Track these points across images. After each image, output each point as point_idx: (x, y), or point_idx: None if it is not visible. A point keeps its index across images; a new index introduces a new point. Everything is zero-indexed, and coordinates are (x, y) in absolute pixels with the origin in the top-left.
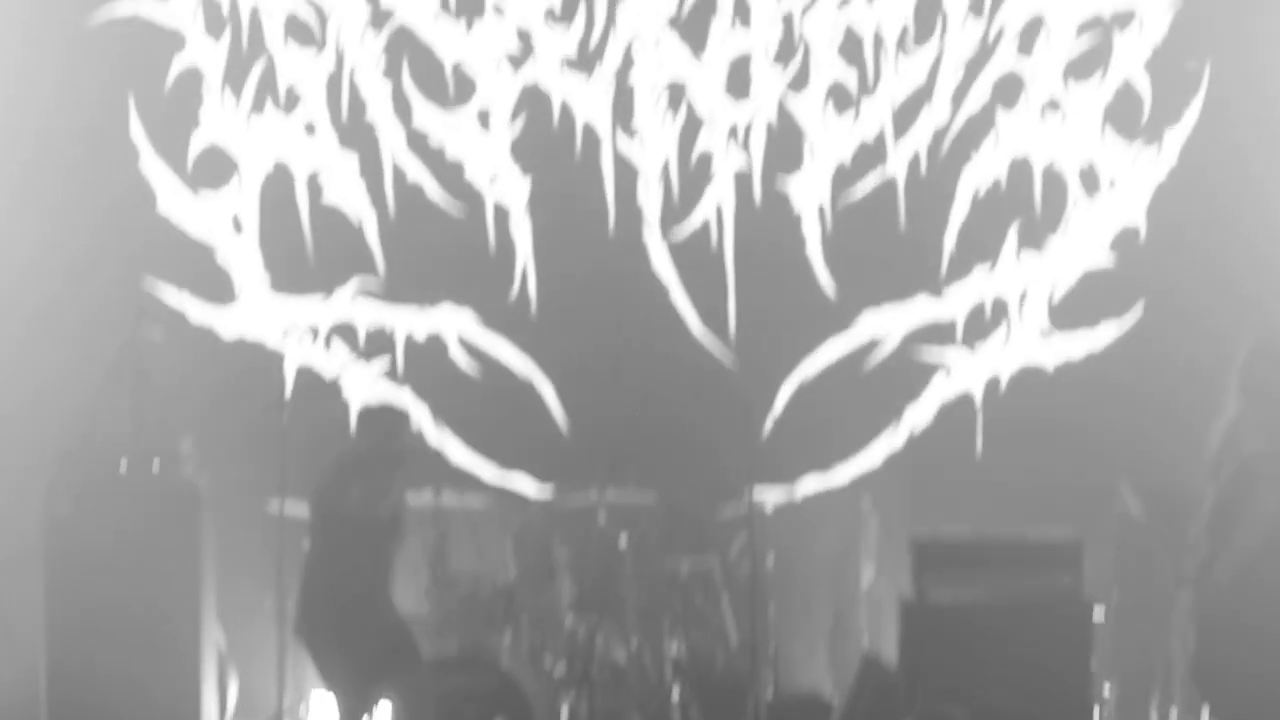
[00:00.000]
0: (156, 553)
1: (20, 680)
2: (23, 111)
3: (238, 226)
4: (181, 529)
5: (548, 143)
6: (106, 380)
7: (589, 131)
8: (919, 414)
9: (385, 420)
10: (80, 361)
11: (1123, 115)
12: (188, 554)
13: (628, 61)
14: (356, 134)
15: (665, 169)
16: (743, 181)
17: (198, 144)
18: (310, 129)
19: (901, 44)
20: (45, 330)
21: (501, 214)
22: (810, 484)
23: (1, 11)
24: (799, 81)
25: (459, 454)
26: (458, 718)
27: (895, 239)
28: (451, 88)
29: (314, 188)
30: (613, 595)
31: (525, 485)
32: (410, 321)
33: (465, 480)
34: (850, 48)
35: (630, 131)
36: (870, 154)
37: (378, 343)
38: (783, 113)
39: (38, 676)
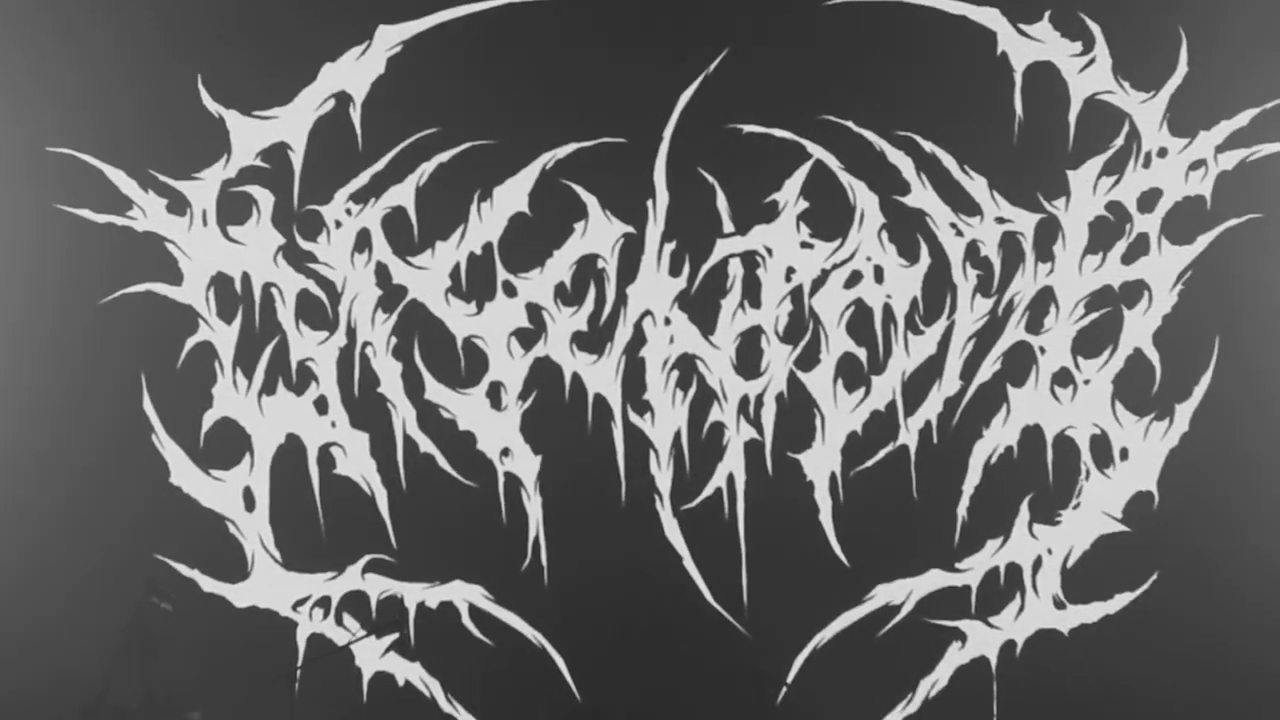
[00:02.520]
0: None
1: None
2: (38, 388)
3: (249, 503)
4: None
5: (559, 416)
6: (116, 651)
7: (600, 405)
8: (934, 680)
9: None
10: (91, 633)
11: (1133, 387)
12: None
13: (638, 337)
14: (368, 410)
15: (676, 440)
16: (754, 450)
17: (209, 420)
18: (322, 406)
19: (911, 320)
20: (56, 601)
21: (513, 486)
22: None
23: (21, 287)
24: (809, 358)
25: None
26: None
27: (908, 508)
28: (463, 364)
29: (325, 461)
30: None
31: None
32: (422, 595)
33: None
34: (859, 324)
35: (641, 405)
36: (882, 422)
37: (390, 614)
38: (793, 384)
39: None
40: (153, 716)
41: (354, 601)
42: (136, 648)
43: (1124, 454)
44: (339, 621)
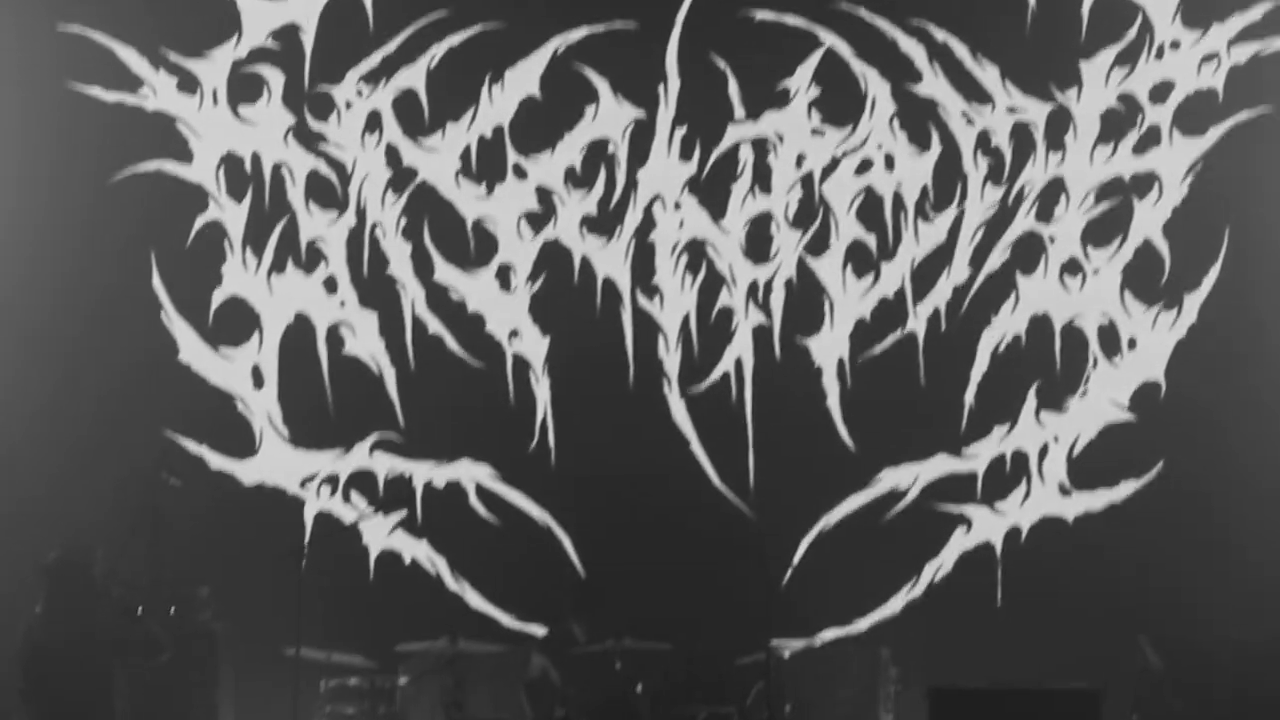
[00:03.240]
0: (175, 697)
1: None
2: (48, 263)
3: (258, 380)
4: (199, 673)
5: (568, 299)
6: (126, 527)
7: (609, 288)
8: (939, 564)
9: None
10: (101, 508)
11: (1142, 277)
12: (205, 699)
13: (648, 222)
14: (377, 290)
15: (685, 324)
16: (762, 336)
17: (219, 299)
18: (331, 285)
19: (921, 208)
20: (67, 478)
21: (521, 368)
22: (829, 633)
23: (28, 165)
24: (818, 243)
25: (477, 602)
26: None
27: (915, 395)
28: (472, 245)
29: (334, 340)
30: None
31: (542, 633)
32: (429, 474)
33: (482, 627)
34: (870, 211)
35: (650, 289)
36: (890, 309)
37: (396, 493)
38: (802, 270)
39: None
40: (161, 591)
41: (361, 479)
42: (146, 523)
43: (1132, 343)
44: (346, 499)
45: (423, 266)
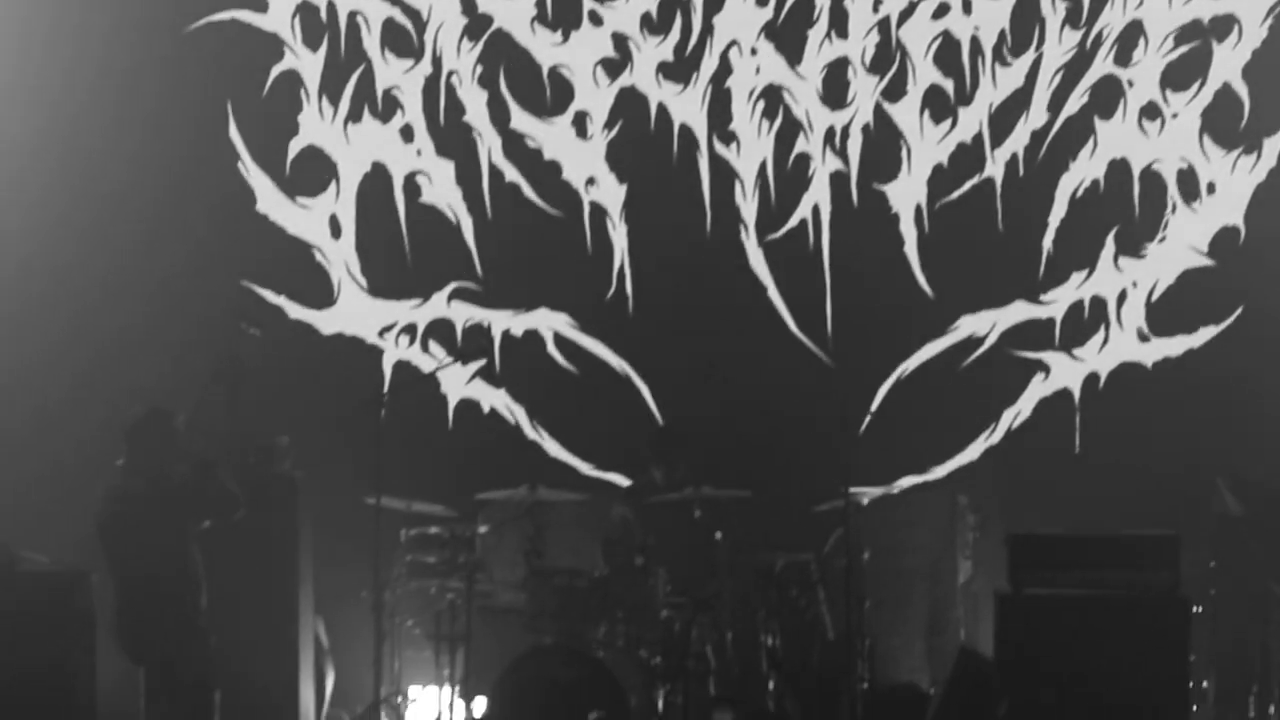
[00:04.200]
0: (255, 547)
1: (121, 671)
2: (124, 115)
3: (335, 230)
4: (279, 523)
5: (644, 146)
6: (207, 379)
7: (686, 135)
8: (1017, 411)
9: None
10: (180, 359)
11: (1221, 121)
12: (286, 547)
13: (724, 68)
14: (453, 138)
15: (762, 171)
16: (839, 182)
17: (295, 148)
18: (408, 134)
19: (999, 52)
20: (146, 328)
21: (598, 216)
22: (907, 480)
23: (103, 17)
24: (895, 89)
25: (555, 451)
26: (554, 709)
27: (993, 241)
28: (548, 93)
29: (411, 189)
30: (708, 589)
31: (621, 482)
32: (507, 322)
33: (562, 474)
34: (947, 55)
35: (727, 135)
36: (968, 155)
37: (474, 342)
38: (880, 116)
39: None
40: (241, 442)
41: (440, 328)
42: (226, 374)
43: (1211, 188)
44: (425, 348)
45: (499, 114)
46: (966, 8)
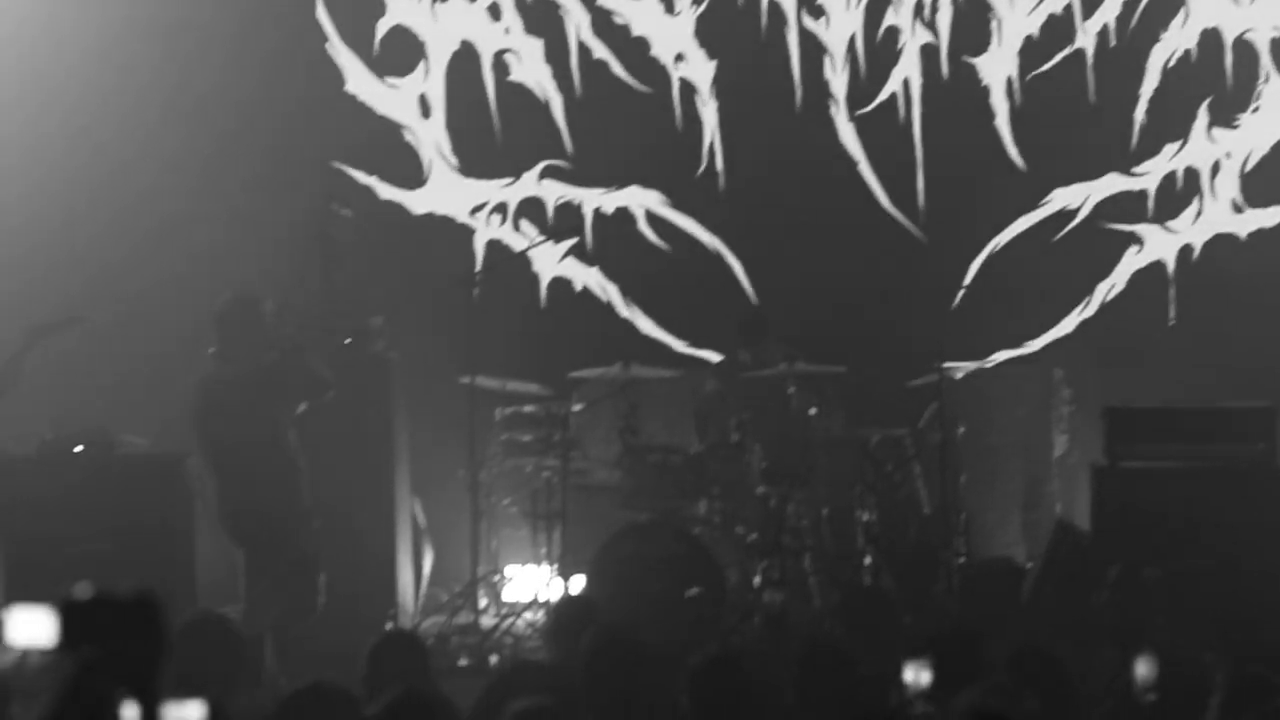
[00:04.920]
0: (350, 428)
1: (218, 550)
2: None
3: (425, 109)
4: (375, 404)
5: (733, 21)
6: (299, 261)
7: (774, 9)
8: (1111, 284)
9: None
10: (276, 244)
11: None
12: (381, 429)
13: None
14: (541, 16)
15: (851, 44)
16: (930, 54)
17: (383, 28)
18: (495, 12)
19: None
20: (239, 215)
21: (687, 92)
22: (1001, 354)
23: None
24: None
25: (648, 328)
26: (651, 586)
27: (1085, 112)
28: None
29: (500, 68)
30: (804, 465)
31: (715, 359)
32: (598, 200)
33: (654, 352)
34: None
35: (815, 9)
36: (1059, 26)
37: (566, 220)
38: None
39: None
40: (336, 322)
41: (530, 207)
42: (318, 254)
43: None
44: (516, 227)
45: None
46: None
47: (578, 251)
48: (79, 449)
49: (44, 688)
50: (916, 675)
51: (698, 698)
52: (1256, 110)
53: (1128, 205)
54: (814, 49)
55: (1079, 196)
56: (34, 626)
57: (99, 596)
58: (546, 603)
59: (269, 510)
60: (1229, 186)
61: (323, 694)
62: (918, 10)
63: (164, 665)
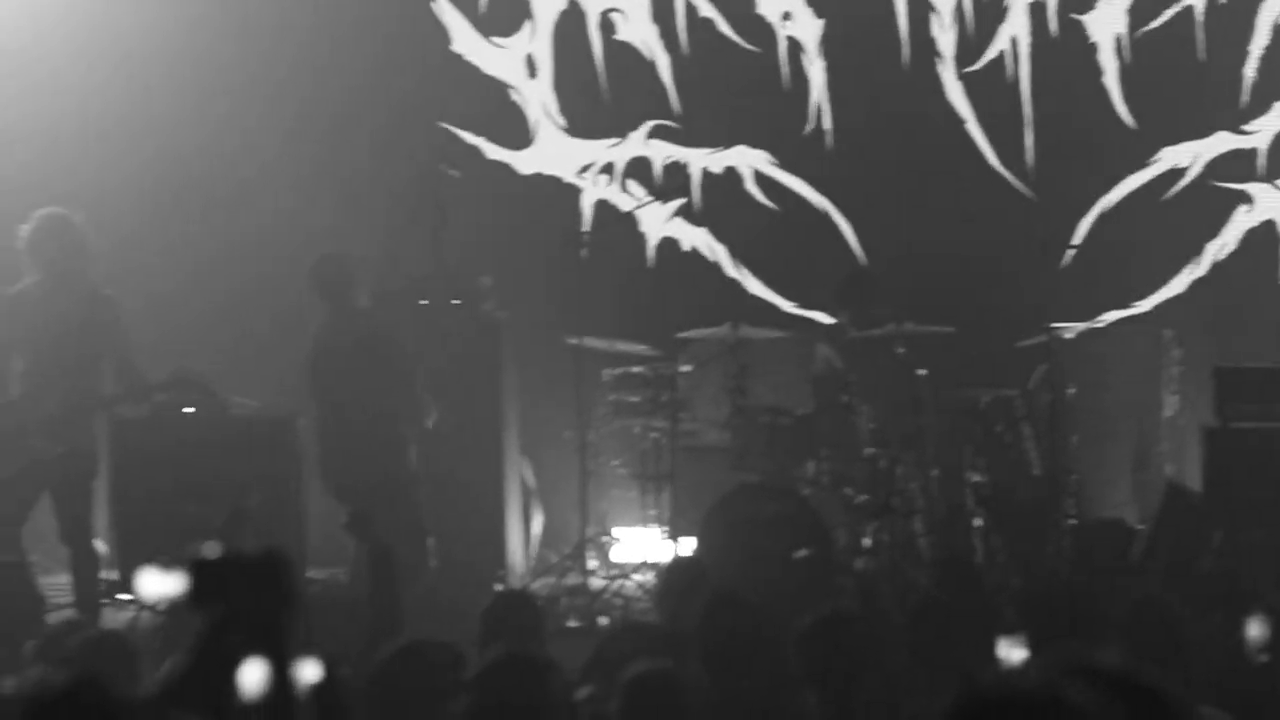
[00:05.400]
0: (460, 389)
1: (327, 510)
2: None
3: (531, 70)
4: (483, 364)
5: None
6: (407, 220)
7: None
8: (1221, 243)
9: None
10: (380, 203)
11: None
12: (490, 389)
13: None
14: None
15: (959, 2)
16: (1038, 12)
17: None
18: None
19: None
20: (352, 177)
21: (794, 51)
22: (1111, 314)
23: None
24: None
25: (756, 289)
26: (760, 547)
27: (1194, 70)
28: None
29: (606, 27)
30: (913, 426)
31: (822, 319)
32: (705, 160)
33: (764, 312)
34: None
35: None
36: None
37: (673, 180)
38: None
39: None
40: (443, 283)
41: (638, 167)
42: (426, 214)
43: None
44: (623, 187)
45: None
46: None
47: (685, 211)
48: (190, 410)
49: (157, 647)
50: (1009, 651)
51: (807, 659)
52: None
53: (1238, 164)
54: (921, 6)
55: (1188, 155)
56: (163, 584)
57: (228, 555)
58: (655, 564)
59: (379, 471)
60: None
61: (422, 653)
62: None
63: (292, 623)
